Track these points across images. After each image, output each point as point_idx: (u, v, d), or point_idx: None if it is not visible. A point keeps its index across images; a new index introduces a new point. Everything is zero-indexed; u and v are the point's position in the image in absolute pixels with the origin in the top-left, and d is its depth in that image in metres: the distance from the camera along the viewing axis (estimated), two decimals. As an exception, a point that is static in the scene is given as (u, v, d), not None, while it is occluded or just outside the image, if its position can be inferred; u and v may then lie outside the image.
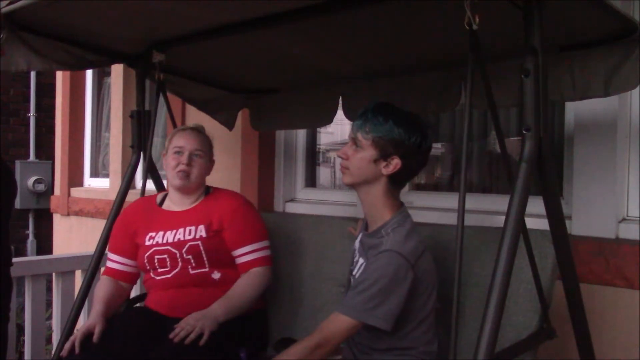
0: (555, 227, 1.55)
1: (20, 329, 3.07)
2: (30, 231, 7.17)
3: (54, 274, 2.96)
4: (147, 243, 2.14)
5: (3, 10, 1.81)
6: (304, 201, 3.23)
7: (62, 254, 3.54)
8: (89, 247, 2.64)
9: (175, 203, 2.23)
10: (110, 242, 2.29)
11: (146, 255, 2.13)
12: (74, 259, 3.01)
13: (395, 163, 1.68)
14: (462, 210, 1.36)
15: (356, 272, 1.79)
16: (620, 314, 1.98)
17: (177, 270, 2.10)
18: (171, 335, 1.84)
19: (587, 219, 2.10)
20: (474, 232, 1.89)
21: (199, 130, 2.24)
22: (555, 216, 1.54)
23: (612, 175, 2.05)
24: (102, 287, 2.15)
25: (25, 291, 2.85)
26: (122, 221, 2.27)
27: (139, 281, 2.35)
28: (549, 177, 1.46)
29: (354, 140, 1.72)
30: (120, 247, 2.22)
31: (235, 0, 1.73)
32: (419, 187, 3.01)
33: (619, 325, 1.98)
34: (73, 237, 5.02)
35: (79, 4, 1.81)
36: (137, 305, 2.33)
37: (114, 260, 2.22)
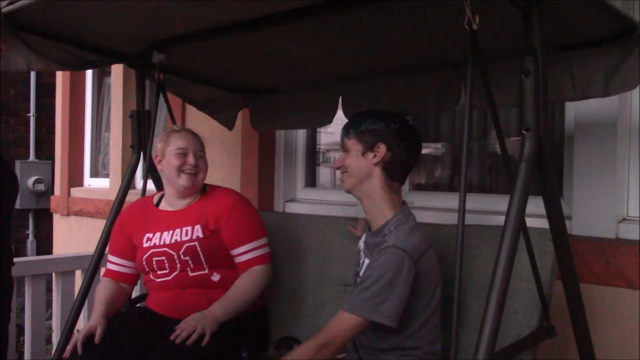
0: (555, 227, 1.55)
1: (20, 329, 3.07)
2: (30, 231, 7.16)
3: (54, 274, 2.96)
4: (145, 245, 2.14)
5: (3, 10, 1.81)
6: (304, 201, 3.23)
7: (62, 254, 3.53)
8: (89, 247, 2.64)
9: (171, 203, 2.21)
10: (109, 244, 2.29)
11: (144, 257, 2.12)
12: (74, 259, 3.01)
13: (382, 150, 1.74)
14: (462, 210, 1.36)
15: (362, 272, 1.78)
16: (620, 314, 1.98)
17: (176, 272, 2.09)
18: (172, 337, 1.84)
19: (587, 219, 2.10)
20: (474, 231, 1.89)
21: (193, 132, 2.23)
22: (555, 216, 1.54)
23: (612, 175, 2.05)
24: (103, 289, 2.15)
25: (25, 291, 2.85)
26: (119, 223, 2.27)
27: (139, 281, 2.35)
28: (549, 177, 1.46)
29: (343, 148, 1.82)
30: (119, 249, 2.22)
31: (235, 0, 1.73)
32: (419, 187, 3.01)
33: (619, 325, 1.98)
34: (73, 237, 5.02)
35: (78, 4, 1.81)
36: (138, 305, 2.33)
37: (114, 262, 2.22)
